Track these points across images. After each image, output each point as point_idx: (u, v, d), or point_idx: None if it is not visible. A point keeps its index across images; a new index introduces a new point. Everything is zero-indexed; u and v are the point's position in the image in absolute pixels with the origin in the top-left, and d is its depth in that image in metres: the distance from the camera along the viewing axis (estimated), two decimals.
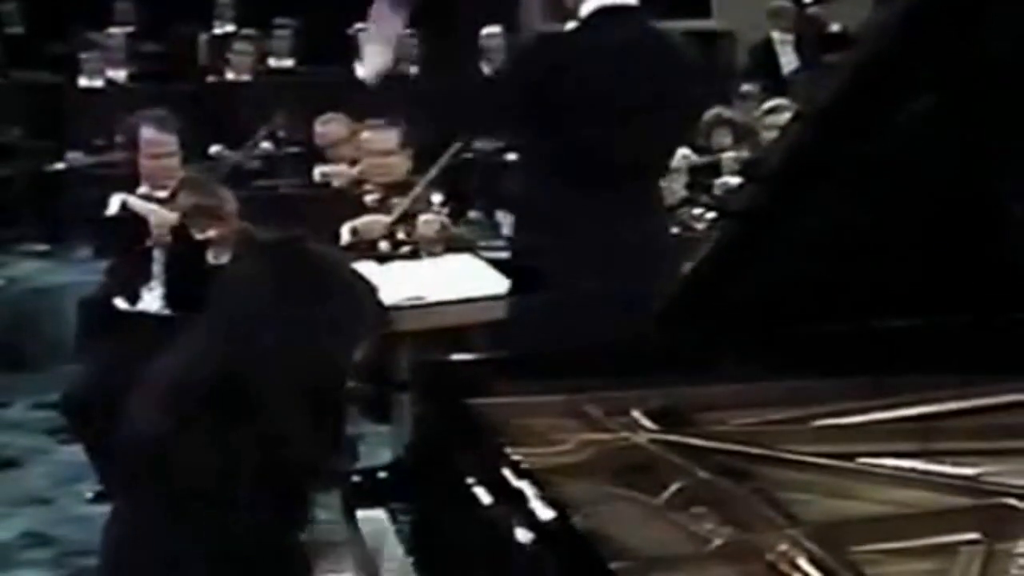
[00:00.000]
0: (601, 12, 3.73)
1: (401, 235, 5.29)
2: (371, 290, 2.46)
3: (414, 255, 5.09)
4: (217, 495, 2.23)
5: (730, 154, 6.82)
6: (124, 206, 5.43)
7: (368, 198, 5.59)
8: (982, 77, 2.01)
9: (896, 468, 2.31)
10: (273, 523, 2.27)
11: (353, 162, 6.46)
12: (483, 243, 5.57)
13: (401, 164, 5.70)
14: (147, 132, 5.53)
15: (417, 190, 5.39)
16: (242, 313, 2.35)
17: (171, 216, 5.27)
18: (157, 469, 2.27)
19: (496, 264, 4.59)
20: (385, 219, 5.31)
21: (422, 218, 5.25)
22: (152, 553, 2.29)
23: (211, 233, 5.11)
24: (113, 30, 10.22)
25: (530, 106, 3.65)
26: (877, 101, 2.08)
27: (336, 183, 6.63)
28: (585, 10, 3.75)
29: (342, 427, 4.06)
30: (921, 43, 2.00)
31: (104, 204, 5.71)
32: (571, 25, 3.82)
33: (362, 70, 3.82)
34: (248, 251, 2.74)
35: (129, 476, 2.37)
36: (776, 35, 9.96)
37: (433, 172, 5.47)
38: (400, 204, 5.37)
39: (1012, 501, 2.10)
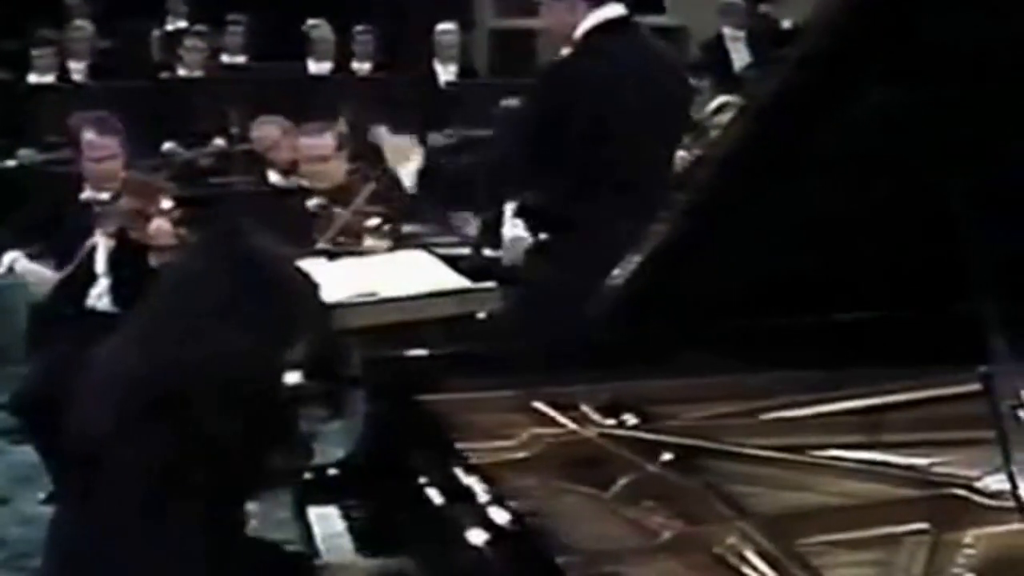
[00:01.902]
0: (600, 30, 3.73)
1: (349, 246, 5.28)
2: (312, 288, 2.43)
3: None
4: (158, 494, 2.22)
5: (681, 153, 6.81)
6: (11, 268, 5.45)
7: (310, 203, 5.53)
8: (933, 69, 2.02)
9: (845, 460, 2.33)
10: (212, 521, 2.26)
11: (292, 163, 6.40)
12: (436, 239, 5.56)
13: (338, 168, 5.62)
14: (88, 135, 5.47)
15: (354, 206, 5.34)
16: (174, 308, 2.33)
17: (50, 277, 5.28)
18: (101, 468, 2.25)
19: (449, 260, 4.58)
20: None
21: (368, 242, 5.22)
22: (100, 552, 2.27)
23: (150, 239, 5.11)
24: (80, 22, 10.12)
25: (549, 139, 3.66)
26: (824, 93, 2.09)
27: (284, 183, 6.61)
28: (582, 29, 3.75)
29: (292, 425, 4.04)
30: (869, 35, 2.01)
31: (56, 202, 5.69)
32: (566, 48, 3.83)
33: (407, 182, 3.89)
34: (186, 246, 2.72)
35: (75, 476, 2.35)
36: (728, 31, 10.00)
37: (362, 197, 5.43)
38: (340, 217, 5.34)
39: (959, 491, 2.13)
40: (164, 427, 2.21)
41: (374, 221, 5.31)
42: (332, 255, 4.84)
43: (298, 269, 2.44)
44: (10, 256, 5.46)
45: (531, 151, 3.75)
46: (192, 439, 2.21)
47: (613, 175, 3.67)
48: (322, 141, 5.68)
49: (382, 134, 4.03)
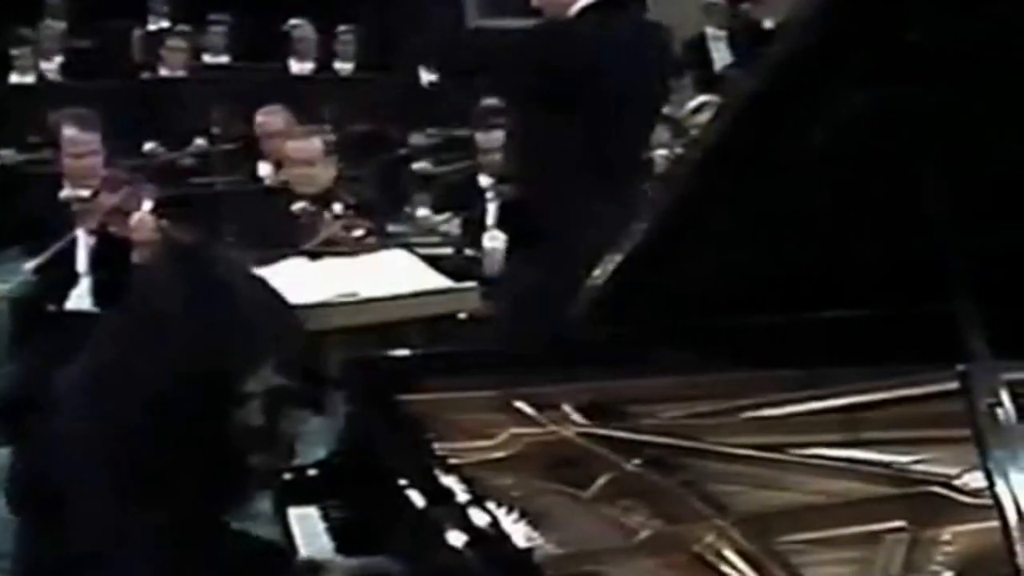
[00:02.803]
0: (593, 8, 3.76)
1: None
2: (281, 306, 2.39)
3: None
4: (127, 508, 2.21)
5: (662, 151, 6.82)
6: None
7: (295, 207, 5.52)
8: (911, 67, 2.02)
9: (824, 458, 2.33)
10: (185, 531, 2.25)
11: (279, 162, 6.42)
12: (417, 239, 5.57)
13: (324, 173, 5.60)
14: (68, 131, 5.48)
15: (341, 223, 5.34)
16: (142, 321, 2.32)
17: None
18: (69, 483, 2.24)
19: (431, 260, 4.59)
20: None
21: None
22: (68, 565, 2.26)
23: (132, 234, 5.09)
24: (50, 21, 10.10)
25: (532, 93, 3.69)
26: (802, 92, 2.09)
27: (269, 182, 6.64)
28: (576, 7, 3.78)
29: (273, 426, 4.01)
30: (848, 33, 2.01)
31: (37, 203, 5.69)
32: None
33: None
34: (155, 257, 2.71)
35: (40, 488, 2.34)
36: (710, 31, 10.01)
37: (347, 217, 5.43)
38: (325, 227, 5.34)
39: (937, 489, 2.13)
40: (132, 443, 2.19)
41: (358, 232, 5.31)
42: (314, 255, 4.84)
43: (266, 287, 2.40)
44: None
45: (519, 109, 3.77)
46: (159, 455, 2.19)
47: (593, 148, 3.68)
48: (309, 144, 5.68)
49: None
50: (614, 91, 3.71)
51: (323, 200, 5.44)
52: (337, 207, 5.37)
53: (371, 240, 5.27)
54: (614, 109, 3.72)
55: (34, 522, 2.38)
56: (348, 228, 5.30)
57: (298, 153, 5.68)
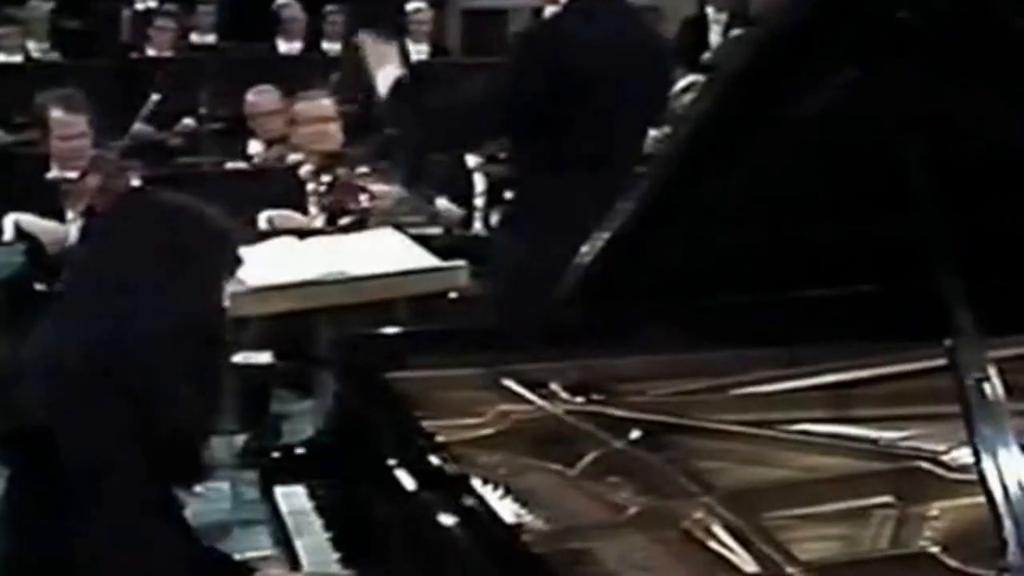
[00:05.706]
0: None
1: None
2: (226, 232, 2.43)
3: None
4: (106, 464, 2.22)
5: (653, 133, 6.80)
6: (19, 228, 5.40)
7: (303, 170, 5.55)
8: (896, 46, 2.02)
9: (811, 434, 2.33)
10: (163, 480, 2.26)
11: (281, 138, 6.43)
12: (408, 219, 5.56)
13: (336, 132, 5.71)
14: (56, 113, 5.47)
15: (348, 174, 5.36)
16: (106, 277, 2.35)
17: (57, 228, 5.25)
18: (45, 443, 2.24)
19: (421, 239, 4.58)
20: (299, 216, 5.36)
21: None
22: (50, 525, 2.27)
23: None
24: (35, 2, 10.06)
25: (530, 103, 3.64)
26: (788, 69, 2.08)
27: (260, 161, 6.63)
28: None
29: (262, 404, 4.03)
30: (833, 11, 2.01)
31: (24, 183, 5.67)
32: (550, 10, 3.80)
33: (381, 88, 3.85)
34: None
35: (20, 450, 2.35)
36: (711, 12, 9.96)
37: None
38: (324, 192, 5.37)
39: (924, 465, 2.13)
40: (115, 394, 2.21)
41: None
42: (302, 234, 4.83)
43: (208, 214, 2.44)
44: (11, 218, 5.42)
45: (507, 114, 3.72)
46: (145, 401, 2.21)
47: (588, 142, 3.66)
48: (321, 103, 5.82)
49: (366, 38, 4.01)
50: (606, 85, 3.67)
51: (332, 160, 5.48)
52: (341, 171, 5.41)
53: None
54: (608, 101, 3.68)
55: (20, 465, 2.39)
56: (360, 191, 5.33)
57: (310, 111, 5.77)
